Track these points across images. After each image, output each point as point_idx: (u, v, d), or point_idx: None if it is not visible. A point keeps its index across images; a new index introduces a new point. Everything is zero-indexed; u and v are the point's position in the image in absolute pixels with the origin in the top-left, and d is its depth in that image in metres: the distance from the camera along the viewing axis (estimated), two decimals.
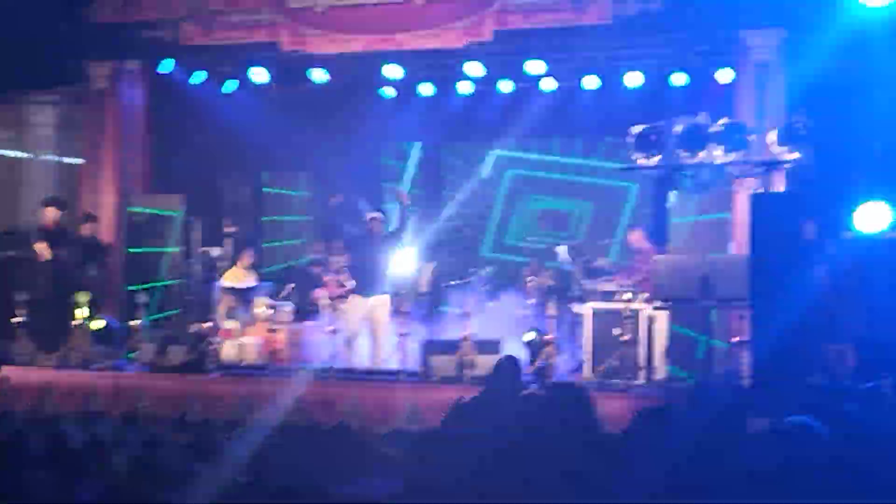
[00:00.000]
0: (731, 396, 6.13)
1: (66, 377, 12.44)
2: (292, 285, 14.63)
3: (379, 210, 13.58)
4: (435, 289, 15.20)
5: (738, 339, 10.91)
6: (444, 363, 11.71)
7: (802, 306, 8.97)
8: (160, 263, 14.69)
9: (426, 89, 15.84)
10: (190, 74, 15.44)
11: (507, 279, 15.46)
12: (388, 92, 16.18)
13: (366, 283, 12.72)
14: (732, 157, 10.13)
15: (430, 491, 5.21)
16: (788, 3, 12.13)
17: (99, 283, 14.04)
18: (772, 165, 10.06)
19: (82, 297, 12.62)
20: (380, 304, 12.70)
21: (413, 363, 11.98)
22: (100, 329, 13.06)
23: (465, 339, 11.64)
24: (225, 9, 14.31)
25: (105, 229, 14.61)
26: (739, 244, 11.99)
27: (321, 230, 16.69)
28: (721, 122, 10.21)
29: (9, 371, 12.58)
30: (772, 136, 10.24)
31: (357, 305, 12.73)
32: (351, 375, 12.03)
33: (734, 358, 11.03)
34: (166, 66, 15.09)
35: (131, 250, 14.62)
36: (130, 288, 13.96)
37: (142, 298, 12.77)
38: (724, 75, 13.78)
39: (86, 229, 14.15)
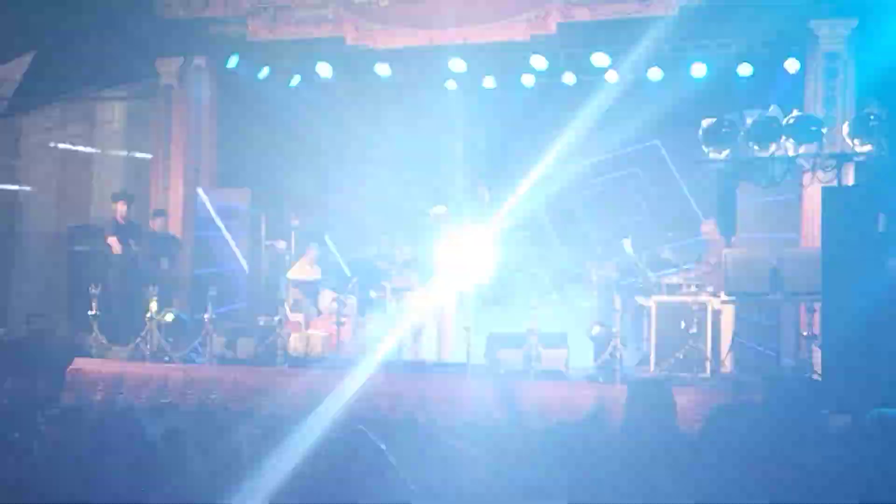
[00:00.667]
0: (806, 392, 6.09)
1: (137, 369, 12.65)
2: (356, 278, 14.72)
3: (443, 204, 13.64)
4: (501, 281, 15.20)
5: (807, 332, 10.81)
6: (510, 356, 11.72)
7: (875, 300, 8.86)
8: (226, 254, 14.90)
9: (490, 82, 15.82)
10: (256, 69, 15.57)
11: (573, 272, 15.39)
12: (452, 85, 16.18)
13: (431, 275, 12.77)
14: (804, 149, 10.03)
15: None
16: None
17: (169, 276, 14.27)
18: (844, 158, 9.94)
19: (153, 291, 12.79)
20: (445, 296, 12.74)
21: (479, 356, 11.99)
22: (170, 322, 13.24)
23: (531, 332, 11.63)
24: (290, 4, 14.44)
25: (174, 223, 14.80)
26: (808, 237, 11.88)
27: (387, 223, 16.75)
28: (793, 114, 10.10)
29: (83, 363, 12.81)
30: (844, 129, 10.12)
31: (422, 298, 12.78)
32: (417, 368, 12.07)
33: (804, 352, 10.93)
34: (233, 61, 15.23)
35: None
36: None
37: (211, 292, 12.91)
38: (792, 66, 13.61)
39: (156, 224, 14.38)
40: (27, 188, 16.84)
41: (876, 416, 4.92)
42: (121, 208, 14.05)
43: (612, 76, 14.98)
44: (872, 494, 4.34)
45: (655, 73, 14.79)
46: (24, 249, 16.69)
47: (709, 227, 13.33)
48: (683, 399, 10.10)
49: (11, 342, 14.61)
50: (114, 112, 16.74)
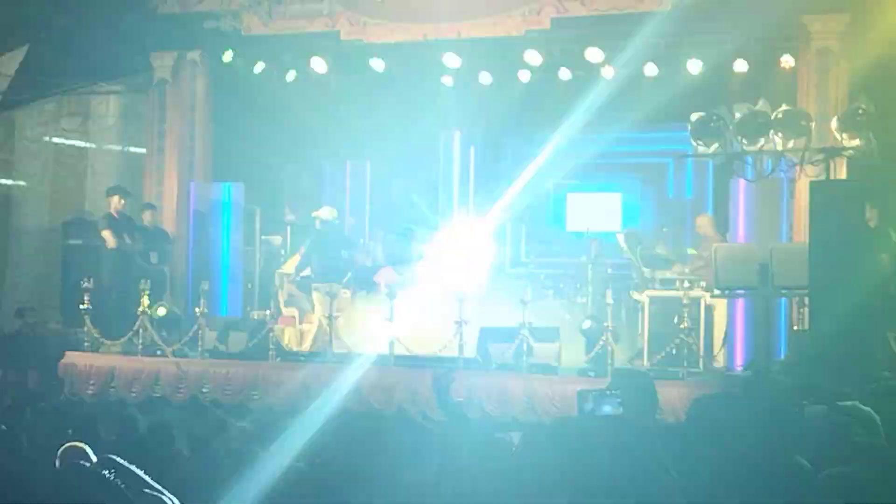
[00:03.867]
0: (789, 384, 6.11)
1: (130, 363, 12.67)
2: (350, 273, 14.72)
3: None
4: (495, 276, 15.21)
5: (798, 327, 10.83)
6: (502, 351, 11.74)
7: (863, 294, 8.88)
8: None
9: (485, 78, 15.82)
10: (251, 64, 15.58)
11: (565, 267, 15.42)
12: (447, 80, 16.18)
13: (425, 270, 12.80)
14: (792, 144, 10.04)
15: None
16: None
17: (161, 270, 14.28)
18: (833, 153, 9.95)
19: (145, 285, 12.80)
20: (437, 290, 12.75)
21: (471, 350, 12.00)
22: (163, 316, 13.25)
23: (523, 326, 11.64)
24: None
25: (168, 218, 14.81)
26: (798, 232, 11.89)
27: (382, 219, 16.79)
28: (781, 108, 10.11)
29: (75, 357, 12.82)
30: (833, 123, 10.14)
31: (413, 292, 12.79)
32: (409, 362, 12.08)
33: (793, 346, 10.94)
34: (228, 56, 15.24)
35: None
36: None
37: (204, 286, 12.91)
38: (787, 61, 13.60)
39: (146, 217, 14.38)
40: (21, 182, 16.84)
41: (848, 408, 4.94)
42: (115, 202, 14.06)
43: (607, 71, 14.98)
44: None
45: (650, 69, 14.78)
46: (17, 243, 16.70)
47: (703, 221, 13.35)
48: (673, 392, 10.17)
49: (4, 336, 14.64)
50: (108, 106, 16.76)
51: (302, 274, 14.48)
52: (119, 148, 16.68)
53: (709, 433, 5.07)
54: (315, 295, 13.81)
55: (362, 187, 17.42)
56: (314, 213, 14.33)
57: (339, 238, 14.58)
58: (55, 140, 16.85)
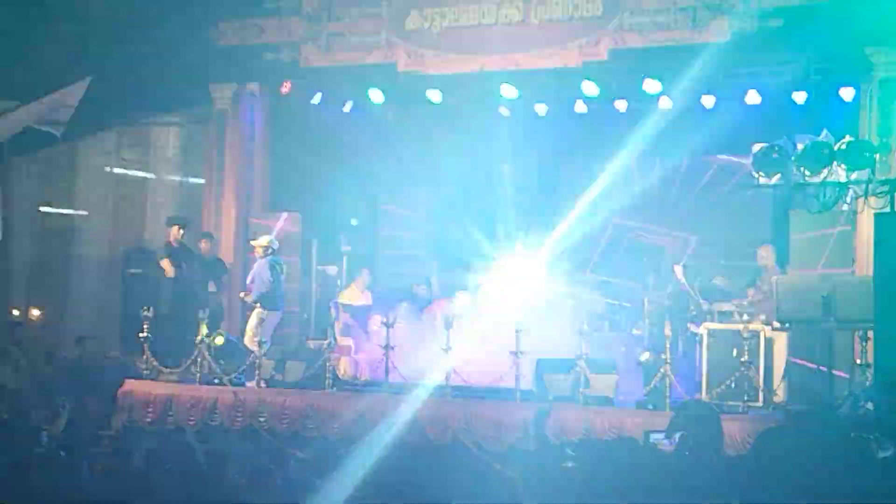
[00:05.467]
0: (853, 419, 6.01)
1: (187, 391, 12.72)
2: (405, 303, 14.72)
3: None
4: (552, 306, 15.14)
5: (861, 361, 10.64)
6: (558, 382, 11.65)
7: None
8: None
9: (542, 108, 15.82)
10: (309, 95, 15.70)
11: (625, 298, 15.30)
12: (504, 111, 16.20)
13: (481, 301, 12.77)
14: (856, 175, 9.91)
15: None
16: None
17: (219, 299, 14.38)
18: None
19: (204, 314, 12.88)
20: (494, 321, 12.71)
21: (528, 382, 11.92)
22: (221, 345, 13.32)
23: (580, 357, 11.55)
24: (343, 31, 14.57)
25: (225, 248, 14.92)
26: (862, 265, 11.72)
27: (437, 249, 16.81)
28: (845, 140, 9.99)
29: (134, 385, 12.92)
30: None
31: (470, 322, 12.76)
32: (465, 393, 12.04)
33: (857, 381, 10.76)
34: (286, 87, 15.37)
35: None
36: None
37: (262, 316, 12.95)
38: (847, 93, 13.47)
39: (205, 247, 14.50)
40: (83, 212, 17.08)
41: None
42: (174, 232, 14.20)
43: (665, 102, 14.92)
44: None
45: (709, 100, 14.70)
46: (78, 272, 16.93)
47: (765, 253, 13.19)
48: (734, 426, 10.02)
49: (64, 363, 14.80)
50: (168, 137, 16.97)
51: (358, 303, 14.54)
52: (178, 178, 16.87)
53: (775, 466, 4.99)
54: (372, 325, 13.83)
55: (419, 218, 17.47)
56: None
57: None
58: (116, 170, 17.09)
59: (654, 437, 5.67)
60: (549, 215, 17.18)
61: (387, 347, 12.47)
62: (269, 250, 13.79)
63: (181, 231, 14.26)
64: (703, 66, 13.80)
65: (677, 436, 5.79)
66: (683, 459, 5.22)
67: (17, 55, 14.54)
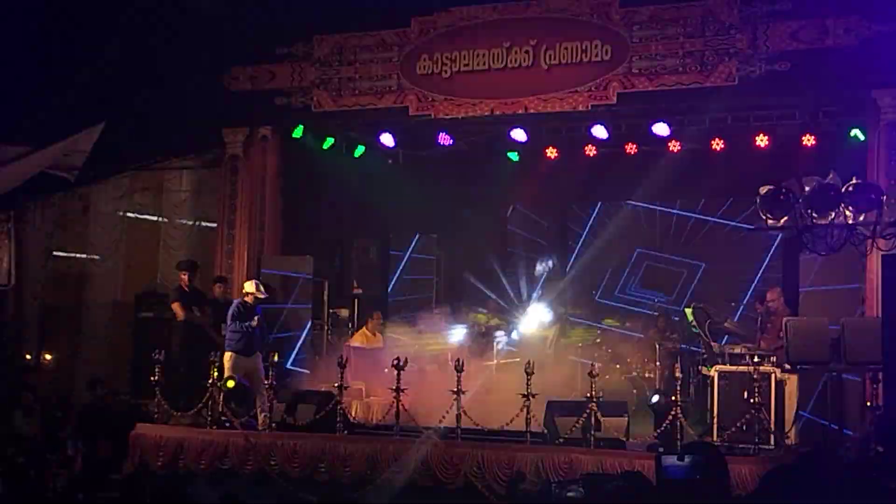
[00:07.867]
0: (861, 460, 6.01)
1: (198, 435, 12.72)
2: (418, 345, 14.76)
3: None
4: (561, 349, 15.18)
5: (871, 403, 10.63)
6: (569, 424, 11.63)
7: None
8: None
9: (552, 152, 15.92)
10: (321, 140, 15.82)
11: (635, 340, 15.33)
12: (514, 155, 16.31)
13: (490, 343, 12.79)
14: (863, 217, 9.92)
15: None
16: None
17: None
18: None
19: (215, 357, 12.90)
20: (503, 364, 12.73)
21: (538, 424, 11.89)
22: (232, 388, 13.32)
23: (590, 400, 11.53)
24: (355, 75, 14.70)
25: (238, 291, 14.97)
26: (871, 306, 11.73)
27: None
28: (852, 182, 10.02)
29: (145, 428, 12.93)
30: None
31: (481, 366, 12.77)
32: (476, 436, 12.02)
33: (867, 423, 10.74)
34: (298, 131, 15.49)
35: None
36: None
37: (273, 358, 12.99)
38: (855, 135, 13.53)
39: (217, 290, 14.57)
40: (95, 256, 17.17)
41: None
42: (186, 276, 14.26)
43: (674, 146, 15.01)
44: None
45: (717, 144, 14.80)
46: (91, 315, 16.99)
47: (774, 295, 13.23)
48: (744, 468, 10.01)
49: (76, 407, 14.84)
50: (181, 181, 17.06)
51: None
52: (191, 222, 16.94)
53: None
54: (384, 368, 13.85)
55: (430, 261, 17.54)
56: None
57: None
58: (129, 214, 17.18)
59: (666, 459, 5.77)
60: (560, 257, 17.27)
61: (397, 390, 12.45)
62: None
63: (192, 275, 14.32)
64: (713, 109, 13.93)
65: (688, 458, 5.86)
66: (691, 498, 5.25)
67: (33, 100, 14.68)
